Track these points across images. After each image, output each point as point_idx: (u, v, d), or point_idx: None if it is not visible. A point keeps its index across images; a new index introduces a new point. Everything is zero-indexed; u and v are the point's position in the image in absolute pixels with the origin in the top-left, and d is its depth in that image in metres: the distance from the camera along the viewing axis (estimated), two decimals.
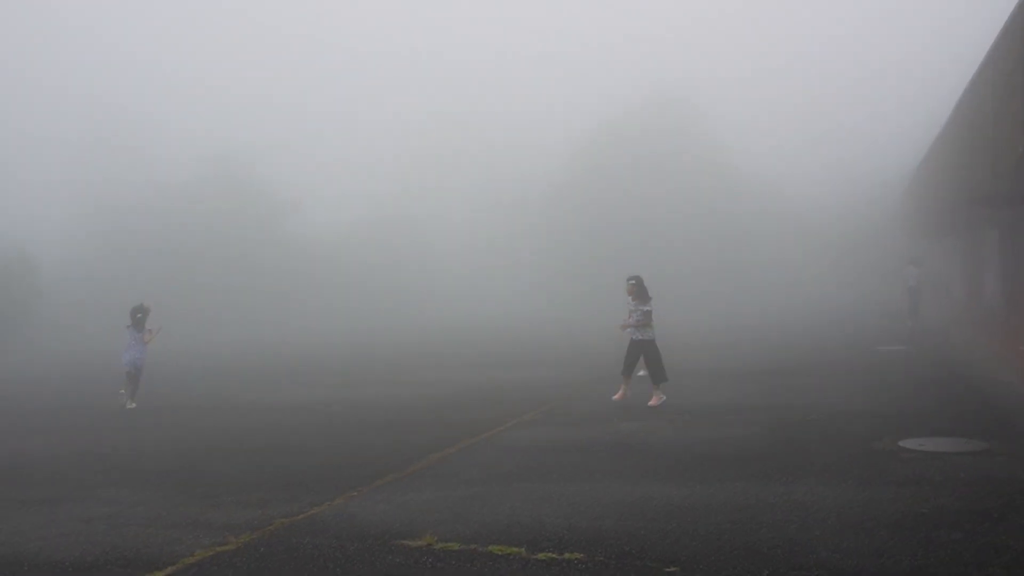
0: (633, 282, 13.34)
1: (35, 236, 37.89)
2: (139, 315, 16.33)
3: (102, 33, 54.81)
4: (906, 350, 18.90)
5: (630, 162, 45.40)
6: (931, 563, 5.32)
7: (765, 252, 43.17)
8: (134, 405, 15.75)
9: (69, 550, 6.51)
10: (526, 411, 12.90)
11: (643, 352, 13.08)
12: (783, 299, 38.96)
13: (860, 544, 5.71)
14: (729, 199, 44.01)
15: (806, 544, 5.76)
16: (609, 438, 10.20)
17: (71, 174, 45.88)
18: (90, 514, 7.67)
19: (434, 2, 61.88)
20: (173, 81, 54.09)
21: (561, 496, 7.43)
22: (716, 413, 11.75)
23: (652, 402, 12.74)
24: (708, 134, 45.95)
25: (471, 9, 60.77)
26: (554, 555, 5.77)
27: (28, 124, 47.58)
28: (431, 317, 42.81)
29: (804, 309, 35.13)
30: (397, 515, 7.05)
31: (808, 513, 6.49)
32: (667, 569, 5.38)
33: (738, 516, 6.51)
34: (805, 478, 7.64)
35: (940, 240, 30.22)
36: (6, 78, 49.60)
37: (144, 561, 6.11)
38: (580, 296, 43.68)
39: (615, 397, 13.20)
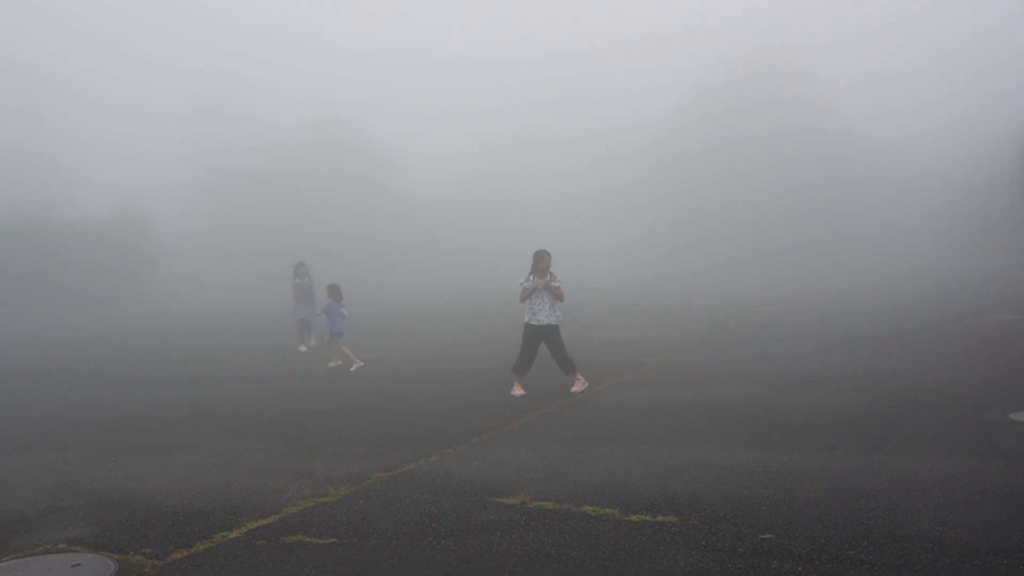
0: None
1: (151, 198, 39.35)
2: (302, 271, 17.71)
3: None
4: None
5: (732, 121, 44.36)
6: None
7: (874, 216, 41.79)
8: (305, 349, 17.52)
9: (180, 495, 6.81)
10: (623, 373, 12.87)
11: (545, 339, 11.21)
12: (893, 265, 37.73)
13: (966, 518, 5.53)
14: (835, 161, 42.66)
15: (908, 515, 5.60)
16: (706, 402, 10.10)
17: (184, 137, 47.36)
18: (200, 462, 8.00)
19: None
20: (280, 44, 55.11)
21: (656, 459, 7.40)
22: (818, 379, 11.49)
23: (517, 392, 11.08)
24: (815, 95, 44.46)
25: None
26: (647, 517, 5.76)
27: (141, 89, 49.24)
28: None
29: (917, 276, 33.94)
30: (492, 472, 7.14)
31: (911, 484, 6.31)
32: (762, 535, 5.32)
33: (837, 485, 6.37)
34: (909, 448, 7.42)
35: None
36: (119, 44, 51.29)
37: (250, 509, 6.35)
38: (680, 257, 43.18)
39: (574, 390, 11.15)
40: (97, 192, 37.92)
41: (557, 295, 11.20)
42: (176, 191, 44.97)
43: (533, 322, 11.17)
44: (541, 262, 11.20)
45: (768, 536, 5.30)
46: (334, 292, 14.81)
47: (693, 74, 46.93)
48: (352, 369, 14.33)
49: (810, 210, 42.21)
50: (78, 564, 5.30)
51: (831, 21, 49.43)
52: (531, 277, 11.25)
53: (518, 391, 11.09)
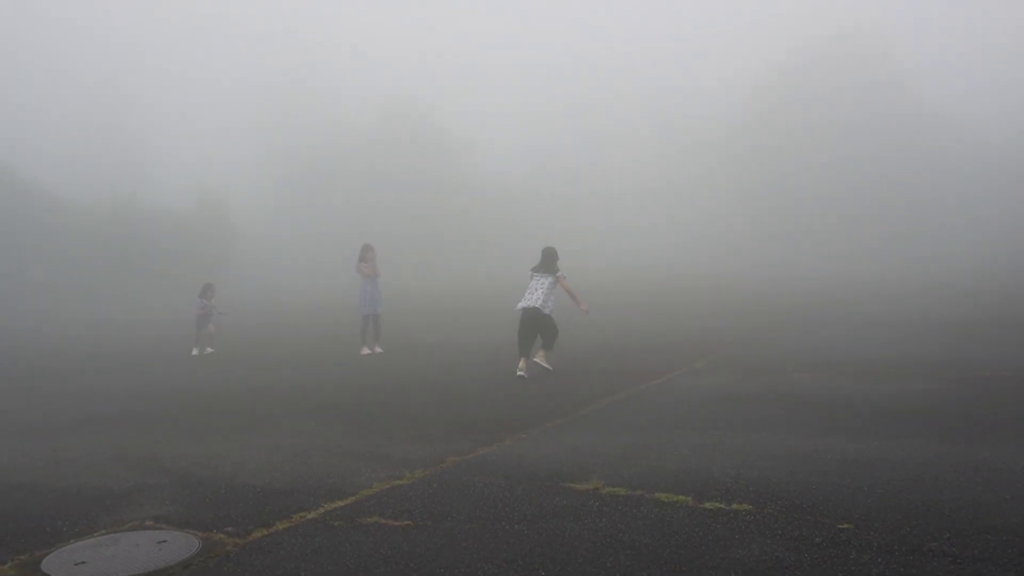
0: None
1: (229, 186, 40.17)
2: (369, 256, 15.17)
3: None
4: None
5: (807, 106, 43.39)
6: None
7: (956, 201, 40.53)
8: (375, 350, 15.21)
9: (259, 475, 6.97)
10: (696, 359, 12.76)
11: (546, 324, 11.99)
12: (975, 251, 36.56)
13: None
14: (916, 144, 41.46)
15: (993, 507, 5.44)
16: (781, 389, 9.96)
17: (259, 127, 48.15)
18: (278, 444, 8.17)
19: None
20: (355, 24, 55.56)
21: (730, 446, 7.33)
22: (897, 366, 11.24)
23: (544, 362, 11.84)
24: (895, 75, 43.15)
25: None
26: (721, 505, 5.71)
27: (213, 70, 50.22)
28: (603, 263, 42.80)
29: (999, 262, 32.87)
30: (565, 458, 7.15)
31: (997, 475, 6.13)
32: (840, 525, 5.23)
33: (918, 474, 6.22)
34: (994, 438, 7.21)
35: None
36: (196, 27, 52.29)
37: (327, 490, 6.47)
38: (753, 245, 42.53)
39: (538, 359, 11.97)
40: (178, 182, 39.00)
41: (564, 287, 12.00)
42: (252, 179, 45.93)
43: (523, 304, 11.99)
44: (548, 257, 12.23)
45: (846, 526, 5.21)
46: (204, 291, 16.73)
47: (766, 58, 46.04)
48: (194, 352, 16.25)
49: (889, 196, 41.21)
50: (164, 541, 5.47)
51: None
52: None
53: (521, 371, 11.74)
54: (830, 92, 43.00)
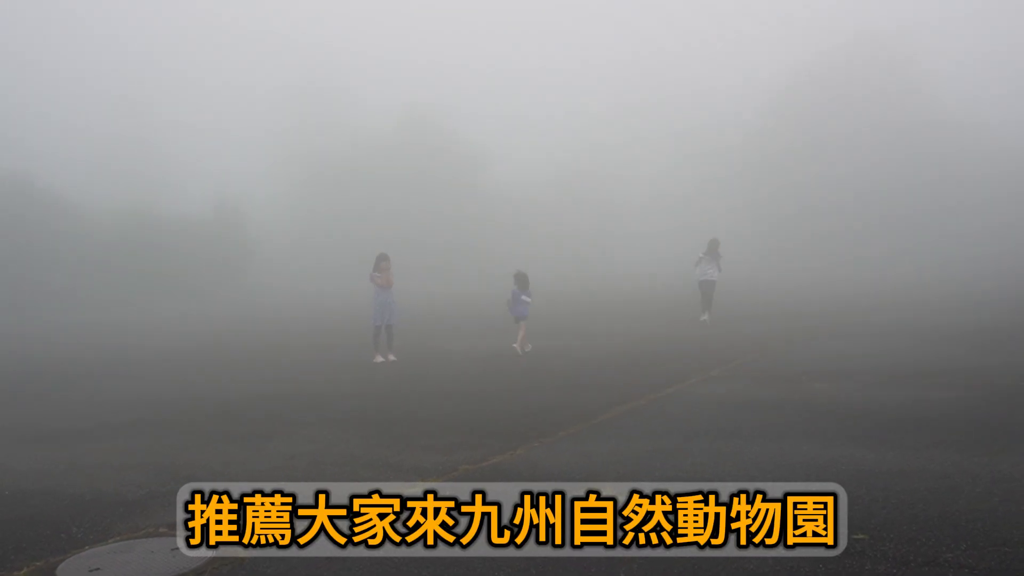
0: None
1: (247, 192, 40.32)
2: (384, 266, 15.02)
3: None
4: None
5: (828, 111, 43.16)
6: None
7: (978, 207, 40.21)
8: (389, 359, 14.95)
9: (275, 483, 6.96)
10: (713, 367, 12.71)
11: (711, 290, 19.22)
12: (997, 257, 36.26)
13: None
14: (937, 150, 41.17)
15: (1011, 518, 5.38)
16: (798, 397, 9.90)
17: (274, 124, 48.24)
18: (293, 451, 8.19)
19: None
20: (374, 30, 55.72)
21: (746, 454, 7.28)
22: (919, 374, 11.16)
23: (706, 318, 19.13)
24: (916, 80, 42.86)
25: None
26: None
27: (231, 77, 50.50)
28: (619, 271, 42.68)
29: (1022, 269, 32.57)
30: (579, 465, 7.13)
31: (1016, 486, 6.06)
32: (855, 536, 5.18)
33: (935, 484, 6.17)
34: (1014, 448, 7.14)
35: None
36: (214, 34, 52.59)
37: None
38: (771, 251, 42.29)
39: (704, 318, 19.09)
40: (196, 190, 39.27)
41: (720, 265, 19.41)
42: (270, 186, 46.13)
43: (702, 278, 19.23)
44: (712, 245, 19.28)
45: (861, 536, 5.17)
46: (520, 280, 15.43)
47: (785, 63, 45.86)
48: (521, 352, 15.10)
49: (909, 201, 40.96)
50: (177, 548, 5.48)
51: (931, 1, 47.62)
52: (702, 255, 19.35)
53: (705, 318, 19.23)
54: (849, 97, 42.81)
